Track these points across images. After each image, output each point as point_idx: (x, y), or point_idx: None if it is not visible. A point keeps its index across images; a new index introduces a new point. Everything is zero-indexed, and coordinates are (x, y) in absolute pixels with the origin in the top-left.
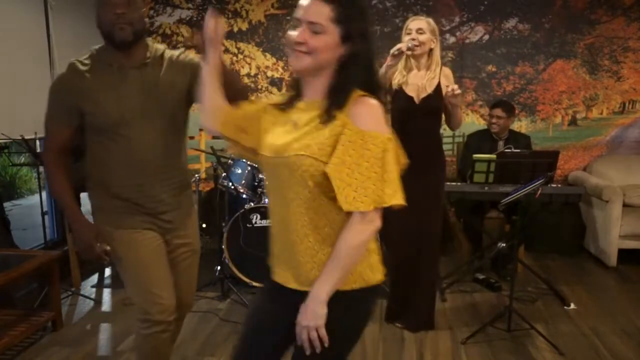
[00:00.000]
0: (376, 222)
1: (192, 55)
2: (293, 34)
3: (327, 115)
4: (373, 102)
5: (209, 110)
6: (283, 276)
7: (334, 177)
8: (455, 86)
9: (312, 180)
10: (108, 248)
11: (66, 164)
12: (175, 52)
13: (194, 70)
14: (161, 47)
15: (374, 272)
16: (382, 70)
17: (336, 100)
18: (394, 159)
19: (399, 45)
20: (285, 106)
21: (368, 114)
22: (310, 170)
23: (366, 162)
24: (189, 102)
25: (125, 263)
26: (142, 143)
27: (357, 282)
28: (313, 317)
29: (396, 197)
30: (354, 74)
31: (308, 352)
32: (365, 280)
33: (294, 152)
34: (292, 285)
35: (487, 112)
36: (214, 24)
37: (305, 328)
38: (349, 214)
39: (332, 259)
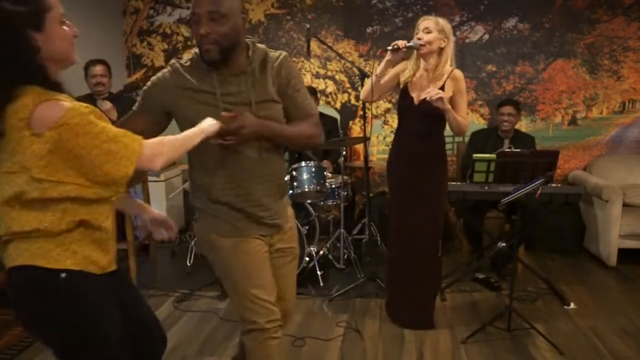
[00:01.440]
0: None
1: (288, 61)
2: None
3: None
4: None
5: None
6: None
7: None
8: (435, 91)
9: None
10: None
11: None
12: (277, 55)
13: (287, 70)
14: (262, 48)
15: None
16: (381, 65)
17: None
18: None
19: (395, 42)
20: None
21: None
22: None
23: None
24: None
25: (229, 272)
26: (240, 147)
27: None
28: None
29: None
30: None
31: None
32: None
33: None
34: None
35: (488, 111)
36: None
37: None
38: None
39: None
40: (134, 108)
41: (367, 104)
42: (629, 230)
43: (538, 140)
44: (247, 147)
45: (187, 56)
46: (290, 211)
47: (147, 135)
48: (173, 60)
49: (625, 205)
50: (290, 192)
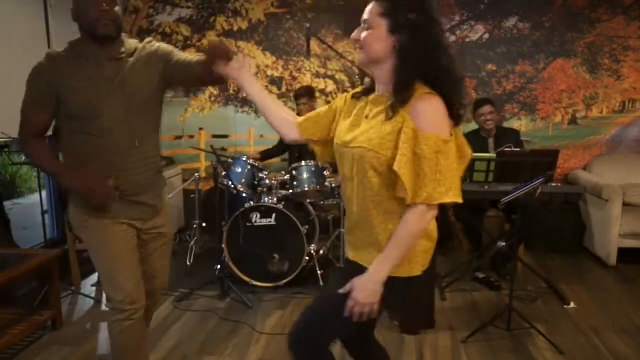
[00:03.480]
0: (429, 214)
1: (157, 43)
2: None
3: (391, 111)
4: (434, 99)
5: (282, 126)
6: (359, 256)
7: (396, 171)
8: None
9: (373, 171)
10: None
11: (46, 144)
12: (142, 44)
13: (161, 56)
14: (134, 42)
15: (415, 265)
16: None
17: (399, 98)
18: (450, 159)
19: None
20: (360, 95)
21: (425, 114)
22: (372, 162)
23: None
24: (162, 87)
25: (96, 252)
26: (113, 132)
27: (399, 271)
28: (371, 295)
29: (449, 195)
30: (412, 67)
31: (355, 320)
32: (408, 271)
33: (358, 144)
34: (356, 259)
35: None
36: (239, 64)
37: (360, 304)
38: (407, 205)
39: (392, 242)
40: (28, 105)
41: None
42: (629, 229)
43: (538, 139)
44: (120, 134)
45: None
46: (165, 194)
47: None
48: (50, 50)
49: (625, 204)
50: (290, 191)
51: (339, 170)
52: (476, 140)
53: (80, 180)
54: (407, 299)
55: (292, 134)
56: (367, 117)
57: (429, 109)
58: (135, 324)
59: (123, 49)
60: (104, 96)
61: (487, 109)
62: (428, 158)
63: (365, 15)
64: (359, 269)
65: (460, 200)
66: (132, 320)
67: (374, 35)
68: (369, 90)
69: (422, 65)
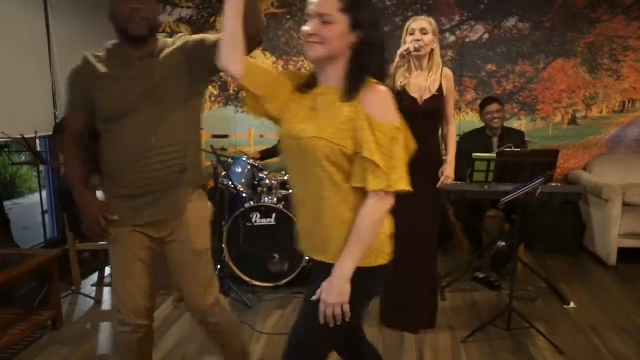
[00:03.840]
0: (388, 202)
1: (187, 36)
2: (305, 28)
3: (343, 101)
4: (383, 89)
5: (230, 52)
6: (320, 254)
7: (367, 157)
8: (448, 178)
9: (326, 161)
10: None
11: (81, 150)
12: (172, 39)
13: (190, 49)
14: (168, 40)
15: (381, 254)
16: (391, 71)
17: (352, 88)
18: (402, 147)
19: (407, 46)
20: (303, 89)
21: (378, 102)
22: (326, 152)
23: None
24: (194, 81)
25: (111, 261)
26: (133, 129)
27: (366, 262)
28: (340, 294)
29: (401, 183)
30: (367, 62)
31: (331, 326)
32: (375, 261)
33: (310, 134)
34: (319, 257)
35: None
36: None
37: (331, 305)
38: (364, 193)
39: (353, 236)
40: (66, 108)
41: None
42: (629, 229)
43: (538, 139)
44: (140, 131)
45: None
46: (197, 201)
47: (88, 130)
48: (86, 53)
49: (625, 204)
50: (291, 191)
51: (289, 170)
52: (480, 138)
53: (84, 208)
54: (380, 290)
55: (233, 67)
56: (314, 109)
57: (380, 99)
58: (141, 339)
59: (156, 48)
60: (129, 96)
61: (494, 107)
62: (384, 145)
63: (322, 9)
64: (324, 267)
65: (410, 189)
66: (138, 334)
67: (335, 30)
68: (311, 83)
69: (376, 59)
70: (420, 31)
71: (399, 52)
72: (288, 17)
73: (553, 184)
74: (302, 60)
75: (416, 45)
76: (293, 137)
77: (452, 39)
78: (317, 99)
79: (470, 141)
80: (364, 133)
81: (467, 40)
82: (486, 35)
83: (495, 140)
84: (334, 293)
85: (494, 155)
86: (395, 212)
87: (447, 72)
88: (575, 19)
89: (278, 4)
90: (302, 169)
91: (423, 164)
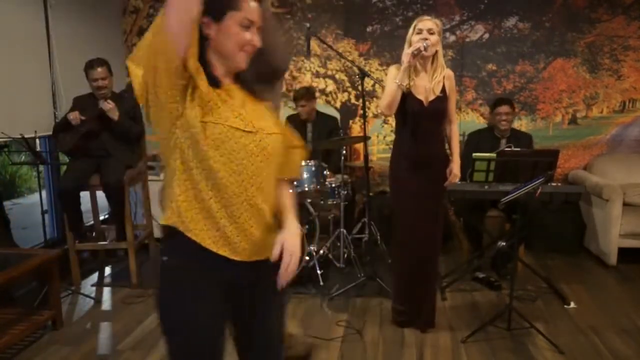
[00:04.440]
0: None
1: None
2: (247, 35)
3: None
4: None
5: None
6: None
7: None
8: (456, 178)
9: (279, 155)
10: None
11: None
12: None
13: None
14: None
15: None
16: (403, 74)
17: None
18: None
19: (417, 45)
20: (213, 86)
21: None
22: (279, 146)
23: None
24: None
25: None
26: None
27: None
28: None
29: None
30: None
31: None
32: None
33: (272, 130)
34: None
35: (488, 111)
36: None
37: (296, 254)
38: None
39: (290, 204)
40: None
41: (366, 103)
42: (629, 229)
43: (538, 139)
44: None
45: None
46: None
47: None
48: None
49: (625, 204)
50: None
51: (233, 169)
52: (488, 138)
53: None
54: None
55: (184, 37)
56: (243, 105)
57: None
58: None
59: None
60: None
61: (504, 108)
62: None
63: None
64: (263, 266)
65: None
66: None
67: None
68: (218, 81)
69: None
70: (427, 31)
71: (409, 51)
72: (288, 16)
73: (553, 184)
74: (302, 60)
75: (425, 45)
76: (255, 131)
77: (452, 38)
78: (238, 96)
79: (477, 140)
80: (284, 124)
81: (467, 40)
82: (486, 35)
83: (503, 142)
84: (298, 239)
85: (493, 155)
86: (402, 211)
87: (449, 72)
88: (575, 18)
89: (278, 4)
90: (260, 166)
91: (429, 164)
